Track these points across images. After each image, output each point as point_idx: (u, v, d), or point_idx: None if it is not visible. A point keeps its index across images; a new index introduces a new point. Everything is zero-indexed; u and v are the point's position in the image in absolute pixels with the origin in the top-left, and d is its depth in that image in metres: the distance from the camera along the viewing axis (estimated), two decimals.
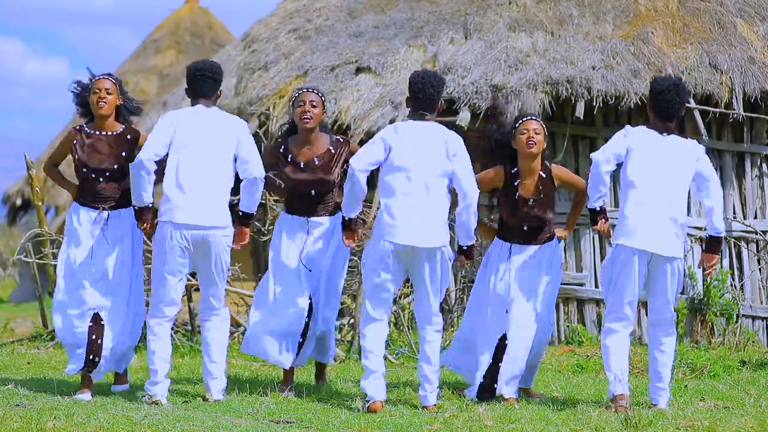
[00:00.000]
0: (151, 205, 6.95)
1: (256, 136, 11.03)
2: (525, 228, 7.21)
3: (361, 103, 10.87)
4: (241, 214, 7.05)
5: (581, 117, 10.65)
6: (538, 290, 7.14)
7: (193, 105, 7.09)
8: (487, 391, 7.06)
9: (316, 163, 7.39)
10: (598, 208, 6.96)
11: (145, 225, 7.01)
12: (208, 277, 7.02)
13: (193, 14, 22.88)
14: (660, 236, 6.78)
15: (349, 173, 6.82)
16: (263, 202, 10.09)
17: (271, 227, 10.00)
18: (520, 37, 11.18)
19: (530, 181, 7.17)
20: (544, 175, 7.19)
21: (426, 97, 6.92)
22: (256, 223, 10.48)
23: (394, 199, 6.81)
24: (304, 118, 7.35)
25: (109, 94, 7.19)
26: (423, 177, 6.79)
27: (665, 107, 6.91)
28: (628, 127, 7.03)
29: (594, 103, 10.61)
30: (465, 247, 7.02)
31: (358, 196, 6.85)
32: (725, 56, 11.00)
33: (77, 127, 7.29)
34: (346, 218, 6.98)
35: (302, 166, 7.39)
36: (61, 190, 20.37)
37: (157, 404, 6.77)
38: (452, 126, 9.41)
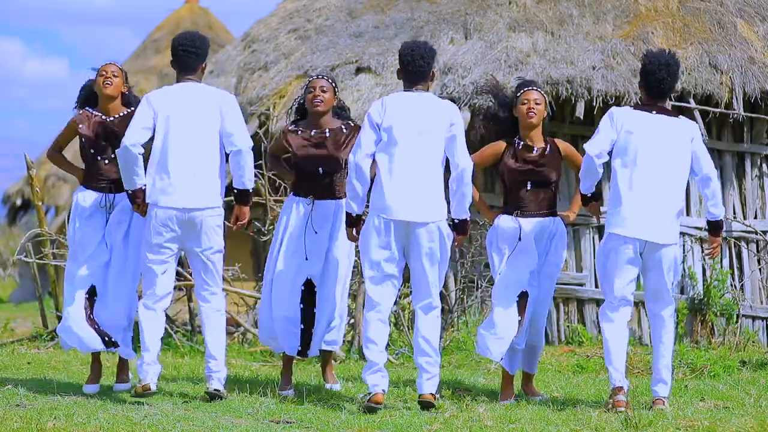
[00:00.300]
0: (144, 187, 6.92)
1: (256, 136, 11.07)
2: (529, 186, 7.13)
3: (361, 103, 10.86)
4: (235, 192, 6.97)
5: (581, 117, 10.65)
6: (540, 263, 7.14)
7: (178, 81, 7.04)
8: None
9: (327, 136, 7.38)
10: (589, 195, 6.98)
11: (140, 207, 7.00)
12: (198, 261, 6.96)
13: (193, 14, 22.88)
14: (652, 223, 6.74)
15: (349, 166, 6.76)
16: (263, 202, 10.09)
17: (271, 227, 10.00)
18: (520, 37, 11.18)
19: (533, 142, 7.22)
20: (548, 142, 7.23)
21: (416, 69, 6.82)
22: (256, 223, 10.48)
23: (387, 173, 6.70)
24: (315, 102, 7.37)
25: (115, 76, 7.27)
26: (416, 150, 6.69)
27: (656, 86, 6.86)
28: (614, 109, 6.97)
29: (594, 103, 10.61)
30: (458, 221, 6.83)
31: (361, 188, 6.74)
32: (725, 56, 11.00)
33: (81, 111, 7.36)
34: (351, 215, 6.85)
35: (312, 141, 7.37)
36: (61, 190, 20.49)
37: (147, 390, 6.72)
38: None
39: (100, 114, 7.30)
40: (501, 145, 7.25)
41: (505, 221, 7.14)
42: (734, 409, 6.96)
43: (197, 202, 6.84)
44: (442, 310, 6.95)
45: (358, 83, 11.18)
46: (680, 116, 6.95)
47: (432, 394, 6.70)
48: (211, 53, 7.21)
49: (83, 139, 7.29)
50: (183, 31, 7.27)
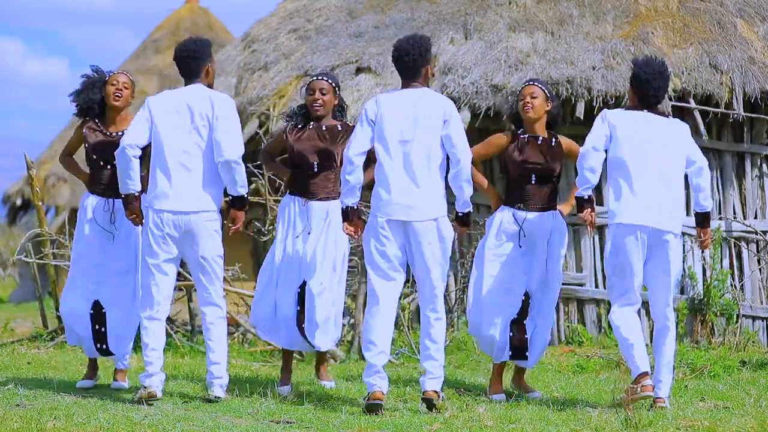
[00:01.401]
0: (137, 194, 6.91)
1: (256, 136, 11.07)
2: (533, 180, 7.19)
3: (361, 103, 10.85)
4: (230, 198, 6.92)
5: (581, 117, 10.64)
6: (540, 254, 7.22)
7: (185, 85, 7.03)
8: (518, 351, 7.26)
9: (323, 129, 7.44)
10: (586, 197, 6.94)
11: (133, 214, 6.96)
12: (197, 266, 6.93)
13: (193, 14, 22.87)
14: (655, 211, 6.80)
15: (344, 162, 6.74)
16: (263, 202, 10.08)
17: (271, 227, 10.00)
18: (520, 37, 11.18)
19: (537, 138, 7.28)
20: (552, 135, 7.29)
21: (410, 61, 6.78)
22: (256, 223, 10.48)
23: (384, 172, 6.69)
24: (315, 107, 7.44)
25: (125, 88, 7.33)
26: (412, 147, 6.66)
27: (653, 95, 6.95)
28: (605, 111, 7.04)
29: (594, 103, 10.61)
30: (461, 214, 6.83)
31: (355, 183, 6.70)
32: (725, 56, 11.00)
33: (89, 122, 7.42)
34: (345, 207, 6.82)
35: (308, 134, 7.42)
36: (61, 189, 20.48)
37: (153, 396, 6.71)
38: None
39: (103, 127, 7.36)
40: (504, 137, 7.31)
41: (507, 214, 7.21)
42: (734, 409, 6.96)
43: (192, 205, 6.81)
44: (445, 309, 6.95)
45: (358, 83, 11.18)
46: (669, 116, 7.07)
47: (435, 392, 6.68)
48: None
49: (88, 146, 7.36)
50: (183, 40, 7.23)
